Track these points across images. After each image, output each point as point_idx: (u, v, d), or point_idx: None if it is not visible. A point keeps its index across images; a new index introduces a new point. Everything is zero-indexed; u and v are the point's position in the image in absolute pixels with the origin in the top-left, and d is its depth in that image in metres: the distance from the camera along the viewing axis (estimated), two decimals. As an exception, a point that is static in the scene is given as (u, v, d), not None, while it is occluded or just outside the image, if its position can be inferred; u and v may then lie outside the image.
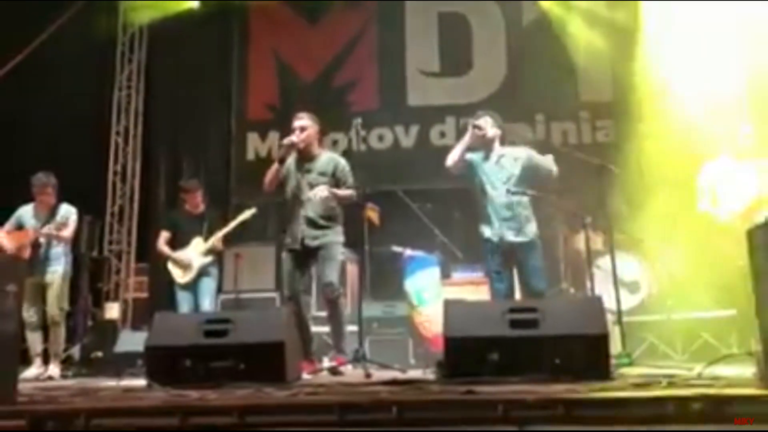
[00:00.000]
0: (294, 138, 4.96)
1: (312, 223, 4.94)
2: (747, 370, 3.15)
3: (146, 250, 8.25)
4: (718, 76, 6.32)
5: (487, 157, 4.91)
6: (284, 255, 5.05)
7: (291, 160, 5.09)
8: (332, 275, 4.89)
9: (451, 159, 4.85)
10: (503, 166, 4.88)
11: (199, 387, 3.30)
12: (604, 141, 7.85)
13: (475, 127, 4.84)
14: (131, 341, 6.04)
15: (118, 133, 8.70)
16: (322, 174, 5.01)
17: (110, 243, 8.50)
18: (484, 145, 4.91)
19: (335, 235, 5.02)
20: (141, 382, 3.94)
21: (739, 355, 4.21)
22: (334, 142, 7.98)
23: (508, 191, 4.81)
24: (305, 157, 5.06)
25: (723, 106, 5.97)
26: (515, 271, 4.89)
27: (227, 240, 6.19)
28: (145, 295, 8.25)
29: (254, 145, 8.56)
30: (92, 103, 8.50)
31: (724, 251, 4.83)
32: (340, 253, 5.06)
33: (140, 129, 8.79)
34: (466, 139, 4.85)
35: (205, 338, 3.87)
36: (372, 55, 8.40)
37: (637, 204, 6.15)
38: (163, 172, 8.51)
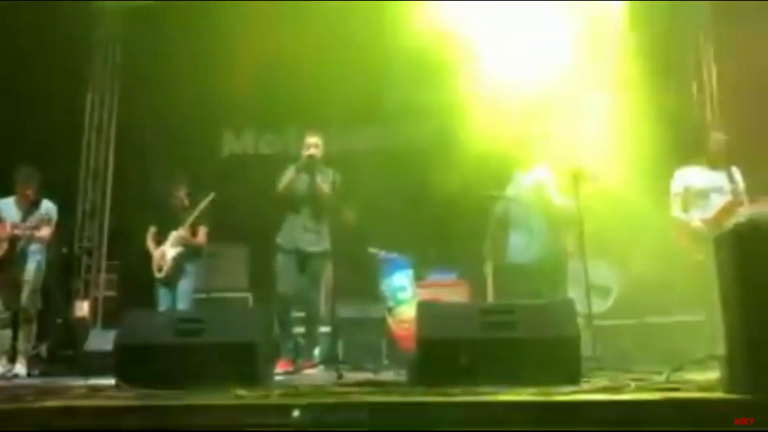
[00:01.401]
0: (314, 151, 5.47)
1: (310, 230, 5.43)
2: (714, 374, 3.19)
3: (118, 248, 8.16)
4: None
5: None
6: (280, 256, 5.43)
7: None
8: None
9: None
10: None
11: (168, 387, 3.26)
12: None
13: None
14: (101, 340, 5.97)
15: (91, 129, 8.59)
16: (324, 182, 5.51)
17: (81, 240, 8.38)
18: None
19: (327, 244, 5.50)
20: (110, 381, 3.89)
21: (707, 359, 4.28)
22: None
23: None
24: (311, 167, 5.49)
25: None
26: None
27: (194, 231, 6.15)
28: (116, 293, 8.15)
29: (229, 142, 8.50)
30: (66, 99, 8.38)
31: (694, 257, 4.89)
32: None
33: (114, 126, 8.68)
34: None
35: (176, 337, 3.83)
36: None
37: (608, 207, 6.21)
38: (136, 168, 8.41)
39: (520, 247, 5.11)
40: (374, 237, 6.70)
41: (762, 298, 2.59)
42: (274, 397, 2.87)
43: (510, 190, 5.39)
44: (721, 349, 2.88)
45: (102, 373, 5.01)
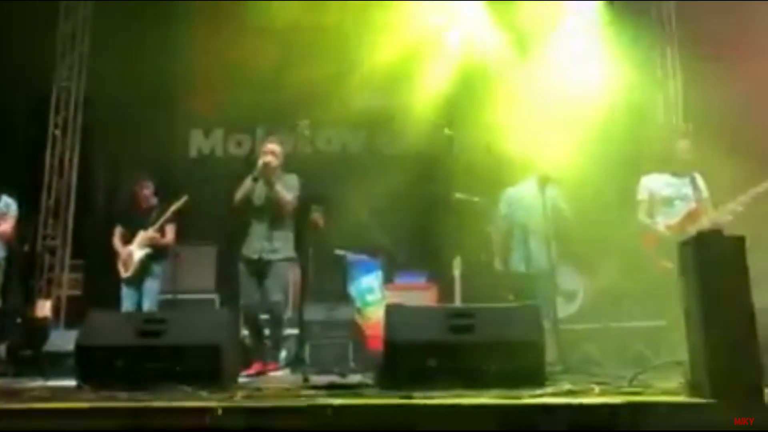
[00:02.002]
0: (269, 158, 5.33)
1: (271, 238, 5.35)
2: (676, 379, 3.24)
3: (83, 247, 8.01)
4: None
5: None
6: (242, 267, 5.40)
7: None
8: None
9: None
10: None
11: (130, 389, 3.21)
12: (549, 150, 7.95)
13: None
14: (62, 340, 5.86)
15: (56, 125, 8.43)
16: (285, 189, 5.42)
17: (44, 238, 8.22)
18: None
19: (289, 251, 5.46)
20: (70, 382, 3.81)
21: (669, 364, 4.35)
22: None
23: None
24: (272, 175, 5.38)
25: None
26: None
27: (162, 230, 6.08)
28: (80, 292, 8.00)
29: (197, 142, 8.42)
30: (31, 95, 8.22)
31: (660, 263, 4.96)
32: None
33: (80, 122, 8.53)
34: None
35: (139, 338, 3.77)
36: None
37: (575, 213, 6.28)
38: (102, 166, 8.27)
39: (527, 257, 5.28)
40: (343, 239, 6.68)
41: (723, 305, 2.64)
42: (238, 399, 2.84)
43: (507, 202, 5.62)
44: (683, 354, 2.93)
45: (63, 374, 4.92)
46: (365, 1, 7.30)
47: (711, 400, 2.55)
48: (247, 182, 5.37)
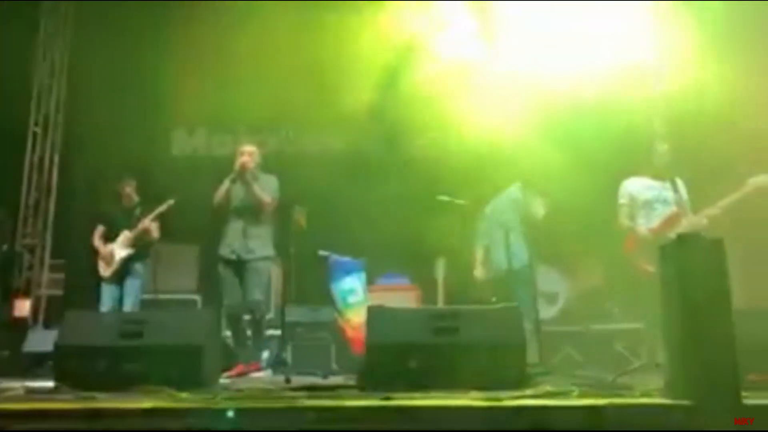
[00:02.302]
0: (246, 160, 5.45)
1: (250, 237, 5.39)
2: (656, 381, 3.27)
3: (63, 246, 7.92)
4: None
5: None
6: (222, 268, 5.44)
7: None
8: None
9: None
10: None
11: (110, 389, 3.18)
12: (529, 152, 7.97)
13: None
14: (41, 340, 5.80)
15: (36, 122, 8.33)
16: (264, 190, 5.48)
17: (24, 237, 8.12)
18: None
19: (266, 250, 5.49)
20: (49, 383, 3.77)
21: (649, 366, 4.39)
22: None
23: None
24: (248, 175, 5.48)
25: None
26: None
27: (147, 232, 6.02)
28: (60, 292, 7.91)
29: (180, 141, 8.37)
30: (11, 92, 8.10)
31: (641, 266, 4.99)
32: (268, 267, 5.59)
33: (61, 119, 8.44)
34: None
35: (119, 339, 3.74)
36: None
37: (558, 216, 6.31)
38: (83, 164, 8.19)
39: (508, 254, 5.34)
40: (327, 240, 6.66)
41: (702, 307, 2.67)
42: (219, 401, 2.82)
43: (492, 207, 5.73)
44: (662, 357, 2.96)
45: (41, 375, 4.87)
46: (348, 1, 7.30)
47: (690, 402, 2.57)
48: (225, 184, 5.46)
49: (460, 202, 5.59)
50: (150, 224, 5.98)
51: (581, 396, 2.95)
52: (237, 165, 5.44)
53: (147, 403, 2.70)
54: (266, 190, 5.50)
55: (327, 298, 6.32)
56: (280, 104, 7.53)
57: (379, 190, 7.26)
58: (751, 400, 2.64)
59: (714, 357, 2.61)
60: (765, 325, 3.45)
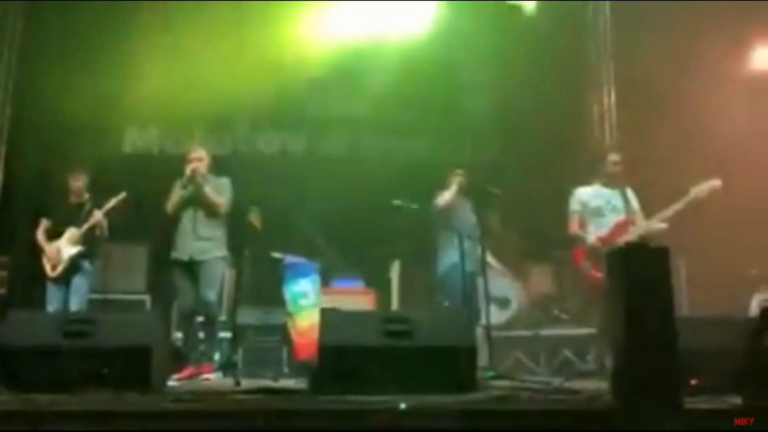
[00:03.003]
0: (197, 165, 5.41)
1: (202, 238, 5.37)
2: (602, 385, 3.34)
3: (6, 242, 7.68)
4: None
5: None
6: (176, 270, 5.42)
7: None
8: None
9: None
10: None
11: (53, 392, 3.09)
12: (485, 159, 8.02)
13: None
14: (-18, 341, 5.58)
15: (-18, 118, 8.08)
16: (216, 192, 5.46)
17: (-35, 234, 7.85)
18: None
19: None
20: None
21: (596, 371, 4.49)
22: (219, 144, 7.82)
23: None
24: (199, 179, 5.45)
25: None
26: None
27: (98, 226, 5.86)
28: (3, 291, 7.66)
29: (132, 139, 8.22)
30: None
31: (589, 273, 5.09)
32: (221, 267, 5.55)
33: (8, 113, 8.19)
34: None
35: (63, 339, 3.64)
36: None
37: (510, 223, 6.40)
38: (30, 158, 7.95)
39: (462, 257, 5.35)
40: (281, 242, 6.61)
41: (646, 314, 2.74)
42: (168, 403, 2.78)
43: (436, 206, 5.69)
44: (608, 362, 3.02)
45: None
46: (304, 1, 7.29)
47: (634, 406, 2.63)
48: (177, 191, 5.45)
49: (415, 206, 5.61)
50: (102, 218, 5.81)
51: (530, 400, 3.00)
52: (188, 171, 5.40)
53: (91, 406, 2.65)
54: (219, 192, 5.46)
55: (280, 301, 6.28)
56: (236, 103, 7.47)
57: (334, 192, 7.27)
58: (691, 404, 2.72)
59: (657, 362, 2.68)
60: (707, 331, 3.55)
